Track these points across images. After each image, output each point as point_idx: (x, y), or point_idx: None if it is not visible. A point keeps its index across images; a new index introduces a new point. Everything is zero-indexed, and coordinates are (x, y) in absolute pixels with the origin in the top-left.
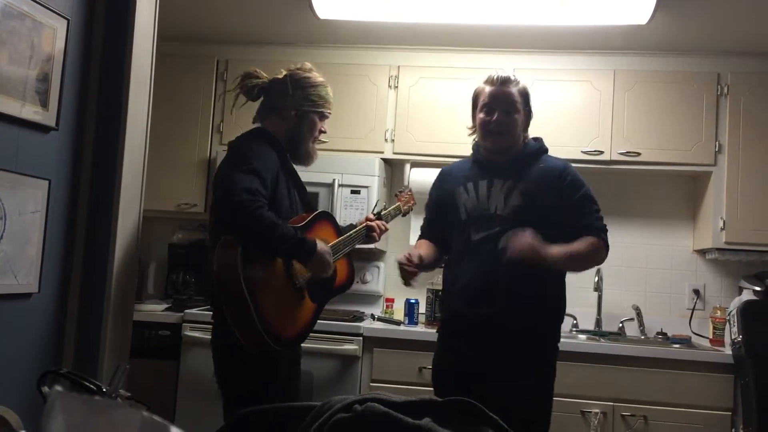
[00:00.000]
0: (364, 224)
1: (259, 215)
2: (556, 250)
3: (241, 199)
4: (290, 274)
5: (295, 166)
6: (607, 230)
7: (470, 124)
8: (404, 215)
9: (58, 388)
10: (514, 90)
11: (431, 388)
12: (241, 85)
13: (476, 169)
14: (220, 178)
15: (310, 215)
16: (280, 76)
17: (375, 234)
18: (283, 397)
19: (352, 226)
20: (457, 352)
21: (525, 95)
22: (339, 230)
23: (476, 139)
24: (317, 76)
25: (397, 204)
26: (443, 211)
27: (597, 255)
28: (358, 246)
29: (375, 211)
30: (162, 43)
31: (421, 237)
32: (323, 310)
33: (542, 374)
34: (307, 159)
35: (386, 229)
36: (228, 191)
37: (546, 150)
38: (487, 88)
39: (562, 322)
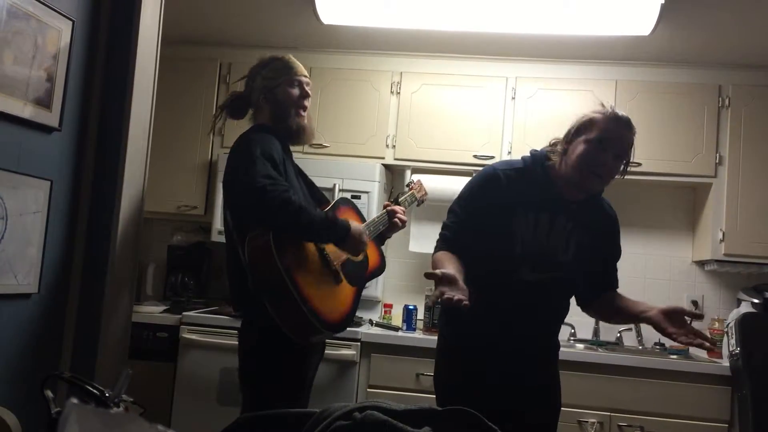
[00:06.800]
0: (385, 210)
1: (286, 198)
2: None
3: (264, 185)
4: (323, 256)
5: (296, 154)
6: None
7: (553, 140)
8: (419, 204)
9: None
10: (632, 137)
11: (428, 395)
12: (227, 106)
13: (539, 195)
14: (230, 173)
15: (329, 204)
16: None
17: (398, 217)
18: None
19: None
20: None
21: (633, 144)
22: (362, 216)
23: (550, 154)
24: (270, 57)
25: (411, 191)
26: (485, 224)
27: None
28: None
29: (392, 199)
30: (165, 46)
31: (441, 247)
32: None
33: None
34: (299, 134)
35: (405, 218)
36: (247, 179)
37: None
38: (609, 123)
39: None
